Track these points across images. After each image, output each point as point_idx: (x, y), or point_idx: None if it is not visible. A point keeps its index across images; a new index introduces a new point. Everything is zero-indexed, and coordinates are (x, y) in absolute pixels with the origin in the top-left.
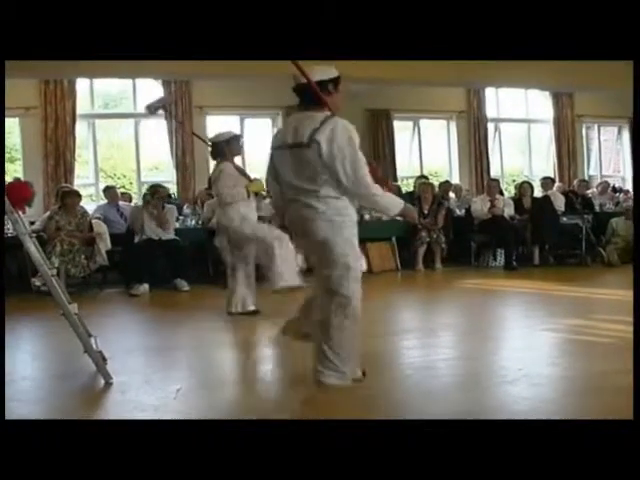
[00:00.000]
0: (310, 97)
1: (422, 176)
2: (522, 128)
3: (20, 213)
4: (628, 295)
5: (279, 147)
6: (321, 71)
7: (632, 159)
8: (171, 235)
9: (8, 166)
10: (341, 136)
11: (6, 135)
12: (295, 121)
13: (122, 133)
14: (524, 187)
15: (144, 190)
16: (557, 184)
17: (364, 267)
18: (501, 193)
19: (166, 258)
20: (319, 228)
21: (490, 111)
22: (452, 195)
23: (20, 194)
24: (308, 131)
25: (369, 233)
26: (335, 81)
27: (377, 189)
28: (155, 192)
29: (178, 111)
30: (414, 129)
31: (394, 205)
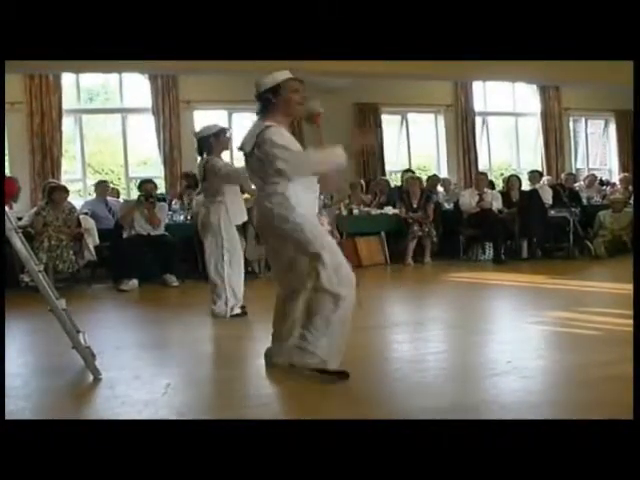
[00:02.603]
0: (258, 107)
1: (408, 170)
2: (509, 121)
3: (6, 208)
4: (615, 288)
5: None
6: (261, 81)
7: (633, 158)
8: (160, 230)
9: None
10: (265, 145)
11: None
12: (250, 128)
13: (109, 128)
14: (512, 180)
15: (132, 185)
16: (546, 177)
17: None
18: (492, 186)
19: (155, 253)
20: (277, 227)
21: (478, 105)
22: (440, 189)
23: (6, 190)
24: (250, 142)
25: (358, 227)
26: (273, 90)
27: (310, 155)
28: (149, 195)
29: (165, 106)
30: (402, 123)
31: (334, 155)
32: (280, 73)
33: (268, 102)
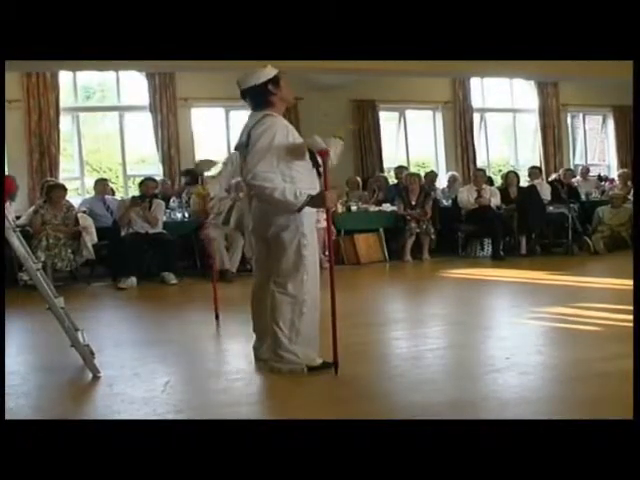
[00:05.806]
0: (252, 100)
1: (401, 166)
2: (508, 118)
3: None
4: (614, 283)
5: (235, 149)
6: (257, 74)
7: (633, 156)
8: (158, 228)
9: None
10: (258, 131)
11: None
12: (245, 123)
13: (107, 126)
14: (510, 177)
15: (130, 183)
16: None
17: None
18: (491, 183)
19: (153, 251)
20: (271, 223)
21: (476, 101)
22: (443, 185)
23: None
24: (246, 131)
25: (356, 224)
26: (273, 81)
27: (271, 182)
28: (143, 196)
29: (162, 103)
30: (400, 120)
31: (289, 202)
32: (269, 67)
33: (268, 93)
